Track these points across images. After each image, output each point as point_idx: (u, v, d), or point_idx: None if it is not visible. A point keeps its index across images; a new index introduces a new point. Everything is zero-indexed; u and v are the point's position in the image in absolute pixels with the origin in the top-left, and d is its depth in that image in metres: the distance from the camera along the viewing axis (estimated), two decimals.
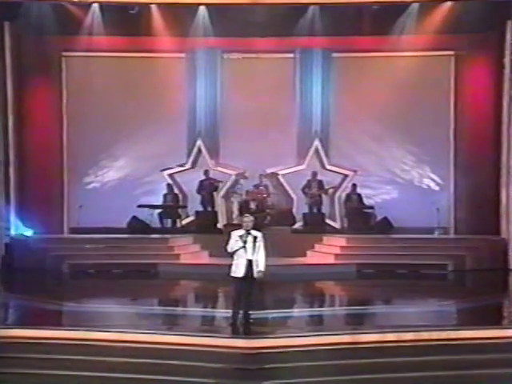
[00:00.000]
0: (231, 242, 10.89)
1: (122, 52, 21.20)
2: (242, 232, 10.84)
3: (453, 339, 10.47)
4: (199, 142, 21.21)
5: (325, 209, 21.07)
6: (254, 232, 10.87)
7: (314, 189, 20.78)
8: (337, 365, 9.94)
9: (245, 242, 10.75)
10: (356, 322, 12.31)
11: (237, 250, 10.80)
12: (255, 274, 10.78)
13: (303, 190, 20.78)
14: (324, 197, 21.02)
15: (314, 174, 20.89)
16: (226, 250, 10.96)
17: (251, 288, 10.94)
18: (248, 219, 10.96)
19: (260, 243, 10.87)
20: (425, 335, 10.48)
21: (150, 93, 21.12)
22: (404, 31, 20.40)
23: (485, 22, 19.38)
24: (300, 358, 9.97)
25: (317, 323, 12.48)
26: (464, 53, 20.86)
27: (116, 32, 20.48)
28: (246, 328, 10.78)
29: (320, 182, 20.90)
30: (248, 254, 10.76)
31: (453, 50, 21.07)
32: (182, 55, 21.52)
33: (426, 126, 21.14)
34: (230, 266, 10.93)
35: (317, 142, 21.20)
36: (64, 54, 21.31)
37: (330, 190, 20.96)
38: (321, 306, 13.98)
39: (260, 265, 10.83)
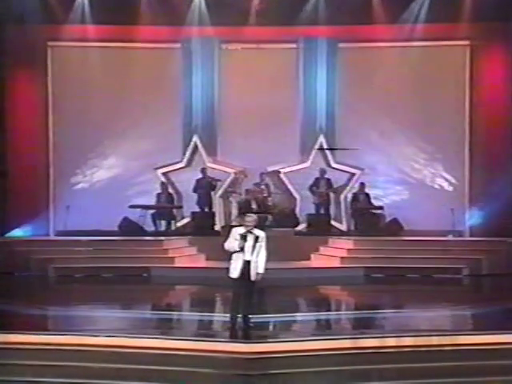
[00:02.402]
0: (230, 239, 10.85)
1: (113, 42, 21.28)
2: (242, 230, 10.80)
3: (460, 344, 10.48)
4: (195, 138, 21.27)
5: (331, 209, 21.09)
6: (256, 231, 10.81)
7: (323, 188, 20.79)
8: (340, 370, 9.94)
9: (244, 241, 10.70)
10: (361, 328, 12.29)
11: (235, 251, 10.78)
12: (252, 277, 10.74)
13: (311, 188, 20.80)
14: (332, 197, 21.03)
15: (323, 172, 20.92)
16: (223, 247, 10.92)
17: (250, 290, 10.91)
18: (251, 218, 10.87)
19: (262, 243, 10.83)
20: (426, 340, 10.51)
21: (143, 86, 21.20)
22: (416, 19, 20.49)
23: (502, 11, 19.49)
24: (303, 364, 9.96)
25: (320, 328, 12.51)
26: (480, 42, 20.90)
27: (106, 20, 20.57)
28: (245, 332, 10.78)
29: (328, 181, 20.91)
30: (246, 254, 10.73)
31: (468, 39, 21.09)
32: (177, 45, 21.56)
33: (439, 121, 21.19)
34: (228, 269, 10.92)
35: (321, 139, 21.25)
36: (50, 43, 21.36)
37: (340, 190, 20.98)
38: (325, 311, 13.94)
39: (259, 267, 10.79)
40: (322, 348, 10.30)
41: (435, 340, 10.51)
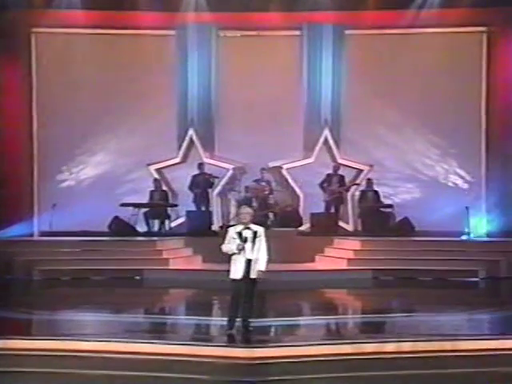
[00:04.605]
0: (227, 240, 10.85)
1: (101, 28, 21.37)
2: (239, 228, 10.83)
3: (478, 350, 10.55)
4: (191, 132, 21.41)
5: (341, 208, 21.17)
6: (253, 227, 10.82)
7: (335, 185, 20.88)
8: (345, 377, 10.00)
9: (244, 241, 10.73)
10: (367, 333, 12.33)
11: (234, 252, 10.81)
12: (252, 274, 10.75)
13: (321, 185, 20.90)
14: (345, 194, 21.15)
15: (336, 168, 21.04)
16: (221, 250, 10.95)
17: (252, 292, 10.92)
18: (245, 210, 10.86)
19: (261, 238, 10.85)
20: (431, 345, 10.58)
21: (134, 76, 21.30)
22: (428, 4, 20.57)
23: None
24: (305, 370, 10.00)
25: (324, 333, 12.54)
26: (498, 29, 20.98)
27: (94, 5, 20.68)
28: (244, 336, 10.84)
29: (342, 178, 21.01)
30: (247, 252, 10.75)
31: (485, 25, 21.19)
32: (172, 32, 21.68)
33: (453, 113, 21.29)
34: (226, 271, 10.94)
35: (326, 132, 21.40)
36: (34, 30, 21.44)
37: (353, 187, 21.06)
38: (329, 316, 13.95)
39: (261, 263, 10.74)
40: (325, 353, 10.33)
41: (448, 345, 10.59)
